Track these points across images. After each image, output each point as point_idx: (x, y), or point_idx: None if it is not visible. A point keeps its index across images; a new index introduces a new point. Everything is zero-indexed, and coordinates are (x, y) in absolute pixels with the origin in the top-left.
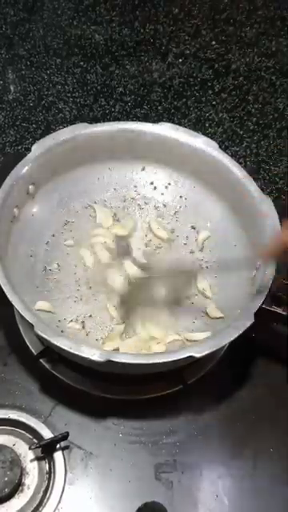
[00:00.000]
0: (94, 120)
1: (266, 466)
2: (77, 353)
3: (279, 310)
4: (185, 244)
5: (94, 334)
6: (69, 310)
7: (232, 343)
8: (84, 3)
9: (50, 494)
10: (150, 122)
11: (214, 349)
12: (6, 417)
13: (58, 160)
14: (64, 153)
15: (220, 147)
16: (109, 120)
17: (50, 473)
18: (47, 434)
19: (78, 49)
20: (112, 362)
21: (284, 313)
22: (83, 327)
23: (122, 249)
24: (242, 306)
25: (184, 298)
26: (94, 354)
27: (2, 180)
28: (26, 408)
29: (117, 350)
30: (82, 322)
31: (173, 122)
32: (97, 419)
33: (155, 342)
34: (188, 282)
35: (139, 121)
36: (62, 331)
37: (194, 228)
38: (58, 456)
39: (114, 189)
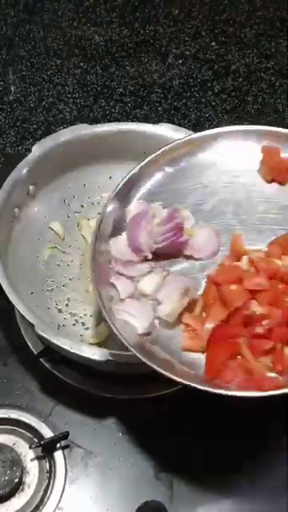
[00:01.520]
0: (94, 121)
1: (267, 463)
2: (77, 352)
3: None
4: None
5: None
6: (69, 310)
7: None
8: (84, 4)
9: (51, 494)
10: (150, 122)
11: None
12: (7, 416)
13: (58, 161)
14: (64, 153)
15: None
16: (109, 121)
17: (51, 472)
18: (47, 433)
19: (78, 50)
20: (112, 361)
21: None
22: (83, 326)
23: None
24: None
25: None
26: (95, 354)
27: (2, 180)
28: (26, 407)
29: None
30: (83, 322)
31: (173, 123)
32: (97, 418)
33: None
34: None
35: (139, 122)
36: (59, 328)
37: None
38: (59, 455)
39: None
